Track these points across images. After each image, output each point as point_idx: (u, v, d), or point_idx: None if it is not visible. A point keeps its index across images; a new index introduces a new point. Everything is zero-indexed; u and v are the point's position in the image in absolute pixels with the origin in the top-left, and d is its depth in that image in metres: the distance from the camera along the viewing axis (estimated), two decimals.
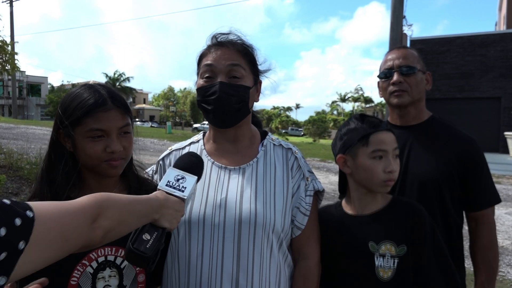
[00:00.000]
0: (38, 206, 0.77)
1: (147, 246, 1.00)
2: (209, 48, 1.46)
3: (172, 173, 1.15)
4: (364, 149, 1.46)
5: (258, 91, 1.52)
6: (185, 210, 1.15)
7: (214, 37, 1.49)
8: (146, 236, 1.01)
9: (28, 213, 0.74)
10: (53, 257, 0.78)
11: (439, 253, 1.43)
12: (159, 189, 1.11)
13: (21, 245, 0.70)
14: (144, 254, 0.99)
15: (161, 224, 1.04)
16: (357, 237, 1.46)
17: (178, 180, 1.13)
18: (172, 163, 1.52)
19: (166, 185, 1.11)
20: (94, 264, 1.26)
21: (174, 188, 1.11)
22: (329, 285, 1.52)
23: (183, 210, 1.12)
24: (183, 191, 1.11)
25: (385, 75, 1.86)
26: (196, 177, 1.17)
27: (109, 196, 0.92)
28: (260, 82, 1.53)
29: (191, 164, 1.20)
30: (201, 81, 1.43)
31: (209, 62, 1.41)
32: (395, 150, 1.46)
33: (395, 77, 1.80)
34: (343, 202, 1.60)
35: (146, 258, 0.99)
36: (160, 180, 1.53)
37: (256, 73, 1.49)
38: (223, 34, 1.49)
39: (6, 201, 0.72)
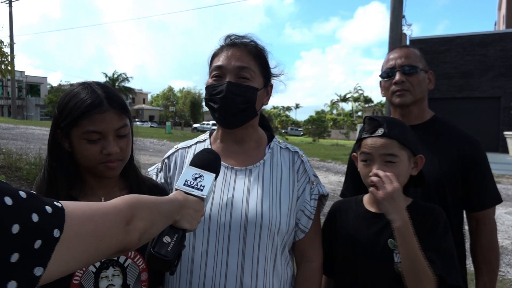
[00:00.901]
0: (66, 202, 0.73)
1: (168, 249, 0.96)
2: (221, 48, 1.47)
3: (189, 172, 1.11)
4: (358, 151, 1.52)
5: (268, 94, 1.52)
6: (205, 208, 1.11)
7: (228, 37, 1.49)
8: (166, 239, 0.97)
9: (56, 203, 0.70)
10: (88, 257, 0.74)
11: (448, 256, 1.43)
12: (177, 189, 1.08)
13: (56, 233, 0.66)
14: (166, 258, 0.95)
15: (181, 226, 1.00)
16: (377, 234, 1.47)
17: (196, 178, 1.10)
18: (178, 162, 1.52)
19: (184, 184, 1.08)
20: (97, 263, 1.26)
21: (193, 187, 1.08)
22: (346, 278, 1.52)
23: (203, 210, 1.08)
24: (201, 190, 1.08)
25: (387, 74, 1.85)
26: (214, 175, 1.13)
27: (139, 197, 0.90)
28: (271, 86, 1.53)
29: (209, 161, 1.17)
30: (210, 80, 1.44)
31: (219, 63, 1.42)
32: (384, 156, 1.43)
33: (397, 76, 1.80)
34: (365, 198, 1.60)
35: (168, 262, 0.96)
36: (164, 179, 1.54)
37: (267, 76, 1.49)
38: (238, 36, 1.49)
39: (32, 191, 0.68)
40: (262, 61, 1.47)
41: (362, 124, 1.56)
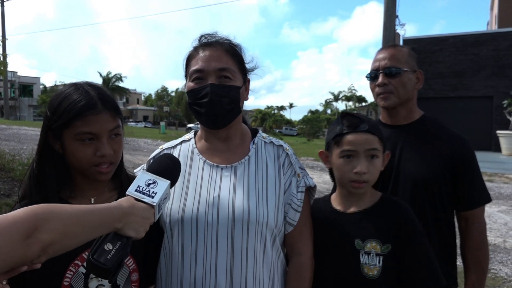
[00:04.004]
0: None
1: (108, 257, 0.93)
2: (196, 49, 1.46)
3: (143, 177, 1.09)
4: (336, 148, 1.50)
5: (247, 89, 1.52)
6: (156, 216, 1.08)
7: (201, 38, 1.49)
8: (108, 246, 0.94)
9: None
10: None
11: (424, 256, 1.42)
12: (127, 195, 1.05)
13: None
14: (104, 266, 0.92)
15: (125, 233, 0.98)
16: (343, 233, 1.47)
17: (149, 185, 1.07)
18: None
19: (136, 190, 1.05)
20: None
21: (144, 193, 1.05)
22: (317, 281, 1.52)
23: (152, 217, 1.05)
24: (153, 197, 1.05)
25: (371, 76, 1.85)
26: (168, 182, 1.11)
27: (50, 208, 0.86)
28: (248, 80, 1.53)
29: (166, 168, 1.15)
30: (191, 84, 1.42)
31: (198, 66, 1.40)
32: (369, 151, 1.44)
33: (380, 79, 1.80)
34: (332, 196, 1.61)
35: (106, 270, 0.92)
36: None
37: (244, 72, 1.49)
38: (210, 34, 1.49)
39: None
40: (239, 58, 1.47)
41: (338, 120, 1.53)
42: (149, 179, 1.09)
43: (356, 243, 1.44)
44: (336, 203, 1.57)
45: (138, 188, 1.06)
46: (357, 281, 1.42)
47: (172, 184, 1.15)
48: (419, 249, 1.42)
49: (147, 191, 1.06)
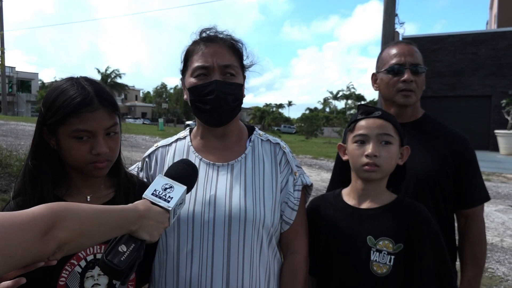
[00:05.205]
0: None
1: (122, 259, 0.94)
2: (197, 44, 1.42)
3: (160, 182, 1.10)
4: (350, 134, 1.51)
5: (244, 86, 1.49)
6: (171, 221, 1.09)
7: (202, 32, 1.46)
8: (122, 248, 0.95)
9: None
10: None
11: (439, 260, 1.41)
12: (143, 198, 1.06)
13: None
14: (118, 268, 0.93)
15: (139, 236, 0.99)
16: (355, 228, 1.46)
17: (165, 189, 1.08)
18: (159, 160, 1.49)
19: (152, 194, 1.06)
20: (83, 263, 1.24)
21: (160, 197, 1.06)
22: (324, 275, 1.52)
23: (166, 222, 1.06)
24: (168, 202, 1.06)
25: (393, 70, 1.76)
26: (185, 187, 1.11)
27: (68, 206, 0.87)
28: (244, 77, 1.50)
29: (182, 173, 1.15)
30: (194, 80, 1.39)
31: (202, 63, 1.37)
32: (381, 136, 1.44)
33: (407, 75, 1.73)
34: (344, 191, 1.59)
35: (119, 272, 0.93)
36: (145, 178, 1.50)
37: (243, 69, 1.47)
38: (210, 29, 1.46)
39: None
40: (240, 54, 1.45)
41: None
42: (166, 184, 1.10)
43: (369, 239, 1.42)
44: (348, 197, 1.55)
45: (154, 192, 1.07)
46: (365, 278, 1.40)
47: (189, 190, 1.15)
48: (434, 251, 1.40)
49: (164, 195, 1.07)
